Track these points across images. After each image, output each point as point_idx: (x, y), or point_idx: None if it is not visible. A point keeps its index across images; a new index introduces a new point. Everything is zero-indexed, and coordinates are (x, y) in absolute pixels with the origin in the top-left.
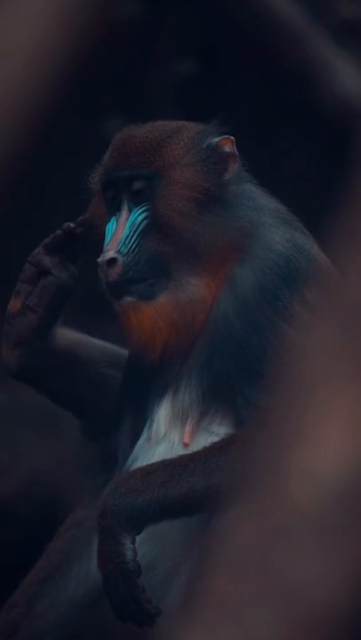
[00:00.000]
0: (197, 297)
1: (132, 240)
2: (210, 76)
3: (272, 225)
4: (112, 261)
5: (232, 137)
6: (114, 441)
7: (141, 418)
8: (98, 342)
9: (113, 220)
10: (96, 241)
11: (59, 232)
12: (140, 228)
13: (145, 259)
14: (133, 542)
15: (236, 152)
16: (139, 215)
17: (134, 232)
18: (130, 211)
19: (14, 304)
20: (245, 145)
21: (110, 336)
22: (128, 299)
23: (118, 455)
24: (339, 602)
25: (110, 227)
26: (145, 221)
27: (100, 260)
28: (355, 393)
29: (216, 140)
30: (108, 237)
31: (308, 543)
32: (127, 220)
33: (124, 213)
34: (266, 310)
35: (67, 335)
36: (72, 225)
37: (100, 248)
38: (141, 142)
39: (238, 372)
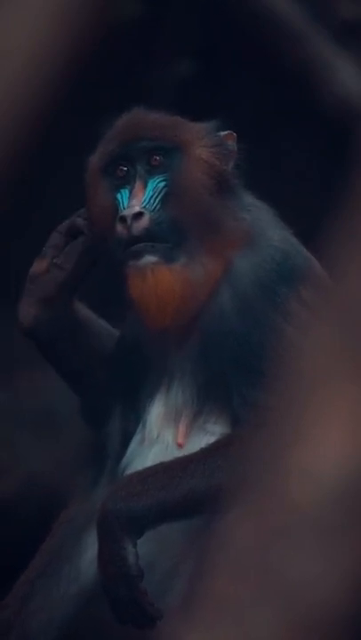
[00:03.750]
0: (203, 277)
1: (155, 201)
2: (210, 76)
3: (269, 222)
4: (139, 215)
5: (234, 133)
6: (103, 435)
7: (131, 413)
8: (105, 323)
9: (124, 190)
10: (94, 229)
11: None
12: (162, 193)
13: (168, 221)
14: (135, 546)
15: (236, 149)
16: (158, 183)
17: (157, 195)
18: (145, 181)
19: (39, 265)
20: (245, 145)
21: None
22: (149, 258)
23: (109, 451)
24: (339, 602)
25: (123, 195)
26: (165, 189)
27: (123, 213)
28: (355, 393)
29: (223, 133)
30: (126, 199)
31: (308, 543)
32: (144, 187)
33: (139, 182)
34: (265, 306)
35: (81, 308)
36: None
37: (97, 237)
38: (159, 119)
39: (235, 370)
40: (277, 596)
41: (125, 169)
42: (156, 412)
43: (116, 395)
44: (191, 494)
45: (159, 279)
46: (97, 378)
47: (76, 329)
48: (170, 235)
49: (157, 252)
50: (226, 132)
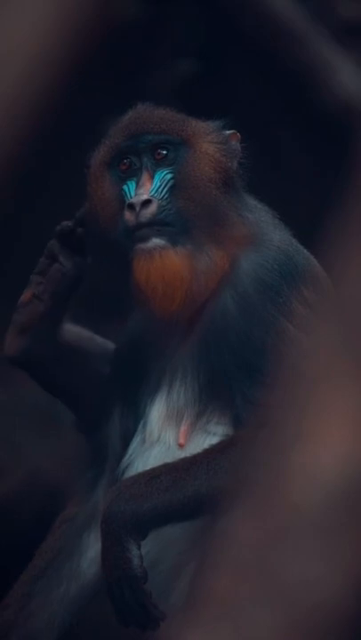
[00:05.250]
0: (209, 267)
1: (163, 191)
2: (210, 76)
3: (269, 224)
4: (147, 202)
5: (238, 134)
6: (103, 436)
7: (131, 414)
8: (99, 339)
9: (130, 182)
10: (96, 228)
11: (67, 222)
12: (169, 184)
13: (175, 209)
14: (139, 548)
15: (240, 149)
16: (166, 175)
17: (164, 185)
18: (152, 173)
19: (26, 295)
20: (245, 145)
21: (110, 335)
22: (156, 241)
23: (108, 451)
24: (339, 602)
25: (130, 186)
26: (172, 181)
27: (132, 201)
28: (355, 393)
29: (228, 132)
30: (133, 189)
31: (309, 543)
32: (152, 178)
33: (147, 173)
34: (267, 306)
35: (71, 330)
36: (80, 214)
37: (99, 240)
38: (166, 114)
39: (238, 369)
40: (278, 596)
41: (132, 162)
42: (158, 412)
43: (116, 395)
44: (195, 495)
45: (166, 262)
46: (89, 396)
47: (64, 354)
48: (177, 221)
49: (164, 236)
50: (231, 132)
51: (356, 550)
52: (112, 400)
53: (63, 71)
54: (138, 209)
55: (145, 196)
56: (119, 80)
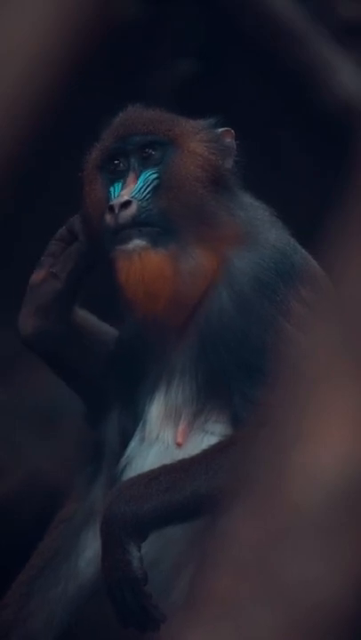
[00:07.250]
0: (195, 268)
1: (146, 191)
2: (210, 76)
3: (266, 222)
4: (126, 204)
5: (232, 130)
6: (100, 434)
7: (130, 413)
8: (108, 326)
9: (118, 184)
10: (92, 229)
11: None
12: (153, 184)
13: (157, 209)
14: (139, 550)
15: (235, 146)
16: (151, 175)
17: (147, 185)
18: (138, 174)
19: (37, 275)
20: (245, 145)
21: None
22: (137, 242)
23: (105, 449)
24: (339, 602)
25: (116, 187)
26: (157, 181)
27: (112, 202)
28: (355, 393)
29: (221, 129)
30: (117, 193)
31: (309, 543)
32: (137, 178)
33: (132, 175)
34: (264, 305)
35: (81, 314)
36: None
37: (95, 241)
38: (154, 115)
39: (236, 368)
40: (278, 595)
41: (120, 163)
42: (156, 411)
43: (114, 394)
44: (195, 496)
45: (147, 263)
46: (100, 384)
47: (77, 336)
48: (158, 221)
49: (145, 236)
50: (223, 129)
51: (357, 550)
52: (110, 399)
53: (63, 71)
54: (117, 211)
55: (124, 198)
56: (119, 80)
